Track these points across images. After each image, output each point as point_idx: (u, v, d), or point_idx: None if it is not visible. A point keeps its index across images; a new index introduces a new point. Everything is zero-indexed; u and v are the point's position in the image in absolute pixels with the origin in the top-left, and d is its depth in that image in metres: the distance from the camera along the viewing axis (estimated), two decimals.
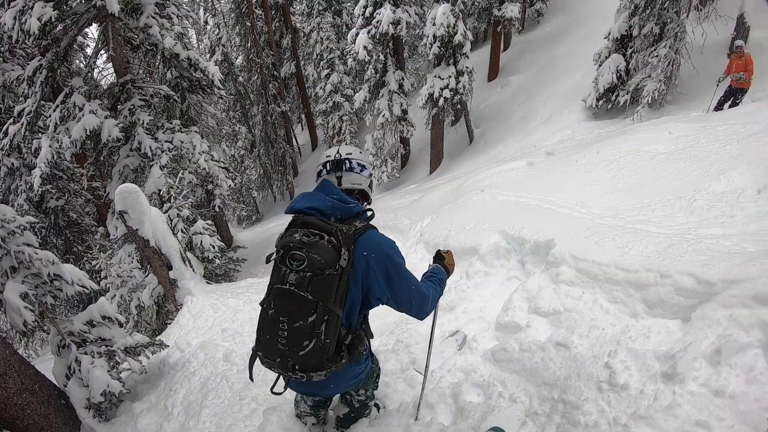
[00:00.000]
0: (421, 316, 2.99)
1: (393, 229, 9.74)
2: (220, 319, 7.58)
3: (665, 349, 3.76)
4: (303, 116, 37.03)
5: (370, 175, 3.05)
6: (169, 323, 8.30)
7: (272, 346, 2.72)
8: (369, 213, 2.90)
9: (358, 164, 2.94)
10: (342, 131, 25.82)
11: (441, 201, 9.97)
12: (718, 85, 12.00)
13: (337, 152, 2.94)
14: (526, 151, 14.09)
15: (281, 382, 3.14)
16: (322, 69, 25.93)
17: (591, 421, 3.55)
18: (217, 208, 15.33)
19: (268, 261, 2.77)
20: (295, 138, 35.76)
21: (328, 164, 2.93)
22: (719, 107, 11.79)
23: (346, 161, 2.90)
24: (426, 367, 4.22)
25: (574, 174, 8.22)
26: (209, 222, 12.29)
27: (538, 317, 5.05)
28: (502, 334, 5.23)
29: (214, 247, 11.38)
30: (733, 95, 11.66)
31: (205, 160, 13.89)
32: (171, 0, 12.77)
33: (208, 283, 9.67)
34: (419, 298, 2.86)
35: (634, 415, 3.40)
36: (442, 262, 3.36)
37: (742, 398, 3.16)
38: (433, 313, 3.87)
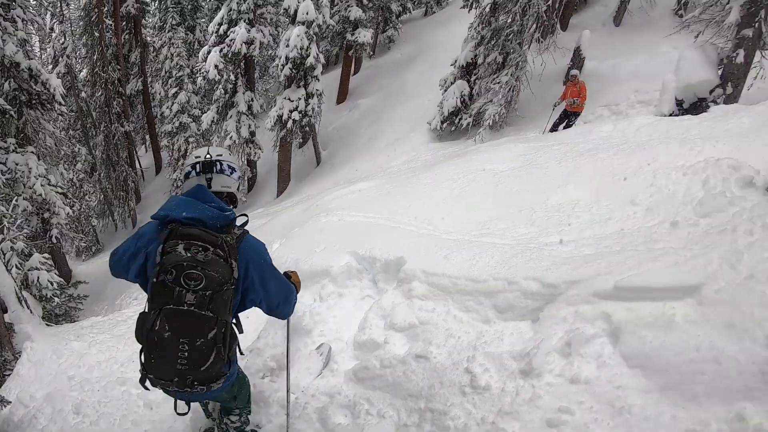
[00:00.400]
0: (286, 313, 3.20)
1: None
2: (65, 365, 7.05)
3: (519, 349, 4.15)
4: (147, 137, 35.41)
5: (239, 177, 3.11)
6: (8, 375, 7.54)
7: (170, 367, 2.66)
8: (245, 219, 2.97)
9: (229, 166, 3.00)
10: (188, 154, 25.04)
11: (290, 224, 10.03)
12: (554, 109, 13.32)
13: (207, 153, 2.92)
14: (373, 173, 14.57)
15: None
16: (170, 87, 25.08)
17: (460, 424, 3.84)
18: (54, 239, 14.21)
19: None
20: (139, 161, 34.03)
21: (197, 165, 2.90)
22: (554, 129, 13.05)
23: (217, 163, 2.92)
24: (287, 391, 4.33)
25: (420, 193, 8.66)
26: (46, 255, 11.35)
27: (395, 333, 5.25)
28: (362, 353, 5.36)
29: (52, 284, 10.54)
30: (567, 118, 12.99)
31: (42, 185, 12.86)
32: (17, 1, 11.80)
33: (48, 325, 8.94)
34: (287, 292, 3.09)
35: (500, 412, 3.73)
36: (289, 280, 3.36)
37: (596, 382, 3.60)
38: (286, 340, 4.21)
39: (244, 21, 17.68)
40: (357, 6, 22.33)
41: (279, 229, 10.01)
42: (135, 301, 11.03)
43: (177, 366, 2.61)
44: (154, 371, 2.77)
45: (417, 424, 4.14)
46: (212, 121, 20.07)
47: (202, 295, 2.52)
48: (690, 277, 3.85)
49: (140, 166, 34.53)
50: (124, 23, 28.61)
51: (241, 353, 3.33)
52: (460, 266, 5.38)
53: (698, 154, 6.22)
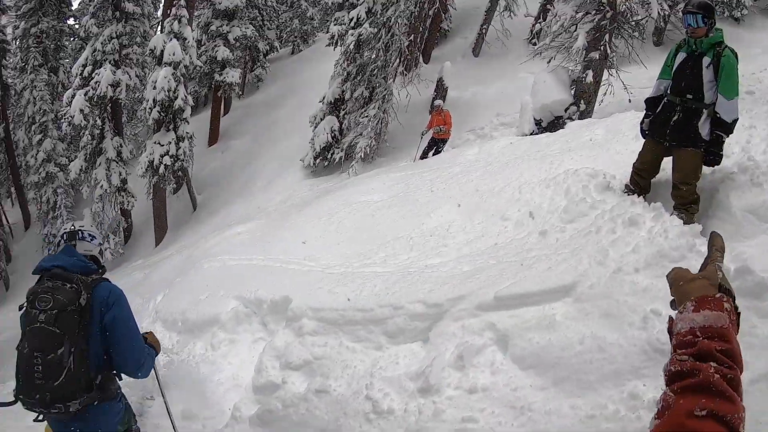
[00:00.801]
0: (137, 370, 3.34)
1: None
2: None
3: (415, 369, 4.27)
4: (13, 190, 32.80)
5: (100, 243, 3.66)
6: None
7: (30, 383, 3.01)
8: (103, 272, 3.48)
9: (89, 234, 3.53)
10: (58, 206, 23.47)
11: (172, 274, 9.67)
12: (422, 137, 13.79)
13: (72, 225, 3.57)
14: (252, 214, 14.39)
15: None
16: (34, 134, 23.46)
17: None
18: None
19: (20, 309, 3.19)
20: (5, 216, 31.34)
21: (64, 235, 3.45)
22: (424, 156, 13.50)
23: (79, 232, 3.47)
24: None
25: (299, 231, 8.65)
26: None
27: (292, 371, 5.22)
28: (263, 396, 5.29)
29: None
30: (436, 145, 13.52)
31: None
32: None
33: None
34: (138, 350, 3.30)
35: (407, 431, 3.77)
36: (145, 341, 3.55)
37: (494, 388, 3.79)
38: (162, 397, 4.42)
39: (110, 62, 17.02)
40: (224, 46, 22.10)
41: (160, 281, 9.64)
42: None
43: (35, 381, 2.97)
44: (22, 391, 3.08)
45: None
46: (81, 170, 18.95)
47: (50, 314, 2.98)
48: (564, 279, 4.17)
49: (8, 222, 31.91)
50: None
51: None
52: (346, 298, 5.45)
53: (558, 167, 6.68)
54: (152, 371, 3.67)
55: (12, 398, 3.18)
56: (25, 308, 3.14)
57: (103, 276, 3.41)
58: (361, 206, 8.58)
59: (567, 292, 4.06)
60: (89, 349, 3.09)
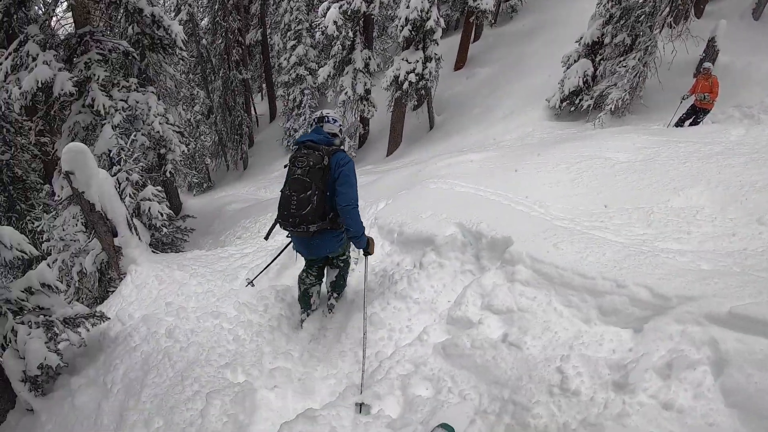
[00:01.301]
0: (345, 206, 4.78)
1: None
2: (165, 291, 7.39)
3: (617, 358, 3.89)
4: (264, 86, 36.25)
5: (340, 125, 5.21)
6: (112, 292, 8.03)
7: (288, 211, 4.80)
8: (341, 144, 5.16)
9: (332, 118, 5.15)
10: (302, 105, 25.44)
11: (397, 186, 9.97)
12: (681, 102, 12.39)
13: (321, 111, 5.19)
14: (486, 144, 14.24)
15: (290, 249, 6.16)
16: (289, 40, 25.40)
17: (541, 425, 3.65)
18: (168, 174, 14.83)
19: (285, 167, 5.06)
20: (254, 107, 34.99)
21: (315, 119, 5.15)
22: (680, 124, 12.19)
23: (326, 117, 5.12)
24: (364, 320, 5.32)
25: (534, 173, 8.30)
26: (159, 188, 11.90)
27: (491, 314, 5.09)
28: (454, 329, 5.25)
29: (162, 215, 11.04)
30: (695, 114, 12.06)
31: (160, 123, 13.45)
32: None
33: (154, 252, 9.38)
34: (351, 194, 4.80)
35: (584, 421, 3.51)
36: (367, 244, 5.40)
37: (690, 413, 3.30)
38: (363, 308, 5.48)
39: None
40: None
41: (385, 190, 9.98)
42: (239, 240, 11.38)
43: (291, 210, 4.76)
44: (281, 216, 4.89)
45: (497, 413, 3.99)
46: (328, 76, 20.11)
47: (304, 169, 4.68)
48: None
49: (255, 113, 35.37)
50: None
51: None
52: (569, 258, 5.07)
53: None
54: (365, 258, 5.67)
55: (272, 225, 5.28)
56: (288, 166, 4.88)
57: (341, 147, 5.02)
58: (604, 163, 8.00)
59: None
60: (327, 193, 4.80)
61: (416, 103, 21.39)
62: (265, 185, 21.84)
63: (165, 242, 12.04)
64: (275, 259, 7.29)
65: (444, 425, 3.89)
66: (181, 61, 16.86)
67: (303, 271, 5.97)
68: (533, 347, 4.38)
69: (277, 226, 5.10)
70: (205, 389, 5.05)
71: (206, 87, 28.08)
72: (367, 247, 5.37)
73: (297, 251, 5.54)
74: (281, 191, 4.88)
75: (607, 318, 4.39)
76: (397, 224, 7.73)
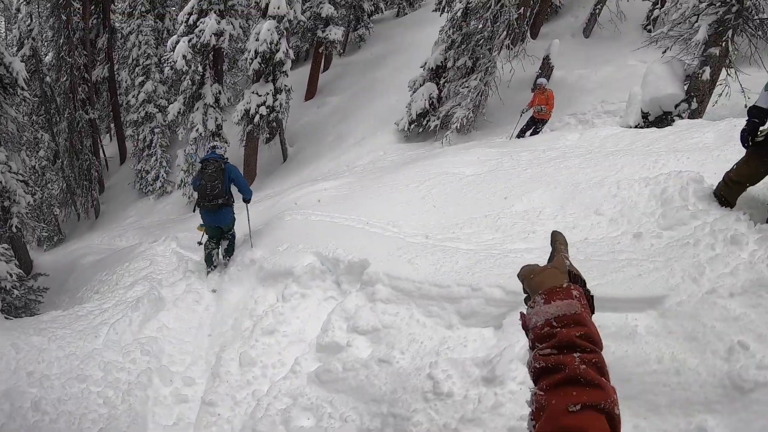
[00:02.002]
0: (245, 186, 8.37)
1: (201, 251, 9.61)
2: (24, 361, 6.78)
3: (482, 356, 4.13)
4: (112, 126, 34.49)
5: (225, 150, 9.09)
6: None
7: (205, 195, 7.92)
8: (225, 160, 8.26)
9: (220, 146, 8.61)
10: (153, 144, 24.49)
11: (254, 221, 9.90)
12: (521, 116, 13.32)
13: (212, 143, 8.86)
14: (339, 171, 14.48)
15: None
16: (137, 75, 24.37)
17: (423, 430, 3.79)
18: (14, 228, 13.68)
19: (200, 163, 8.28)
20: (103, 149, 33.04)
21: (211, 147, 8.55)
22: (521, 135, 13.08)
23: (216, 146, 8.52)
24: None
25: (386, 194, 8.61)
26: (5, 246, 10.92)
27: (358, 336, 5.23)
28: (324, 355, 5.34)
29: (11, 276, 10.10)
30: (535, 125, 13.02)
31: (2, 172, 12.40)
32: None
33: (7, 318, 8.61)
34: (244, 181, 8.44)
35: (462, 419, 3.71)
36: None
37: None
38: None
39: (215, 12, 17.29)
40: (329, 3, 22.09)
41: (242, 226, 9.88)
42: (96, 294, 10.71)
43: (207, 193, 7.89)
44: (203, 200, 7.93)
45: (379, 429, 4.12)
46: (179, 112, 19.58)
47: (214, 171, 7.91)
48: (653, 289, 3.87)
49: (104, 155, 33.64)
50: (92, 7, 27.63)
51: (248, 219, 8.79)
52: (425, 271, 5.36)
53: (662, 167, 6.23)
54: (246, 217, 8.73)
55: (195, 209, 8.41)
56: (201, 170, 8.00)
57: (222, 167, 8.03)
58: (452, 178, 8.41)
59: (653, 305, 3.78)
60: (225, 183, 7.96)
61: (269, 135, 21.33)
62: (119, 233, 20.73)
63: (18, 306, 11.01)
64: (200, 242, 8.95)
65: None
66: (23, 102, 15.70)
67: (207, 241, 8.68)
68: (402, 360, 4.53)
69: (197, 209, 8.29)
70: None
71: (51, 129, 26.20)
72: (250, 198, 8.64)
73: (206, 224, 8.44)
74: (201, 185, 7.97)
75: (468, 321, 4.66)
76: (258, 259, 7.68)
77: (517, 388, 3.72)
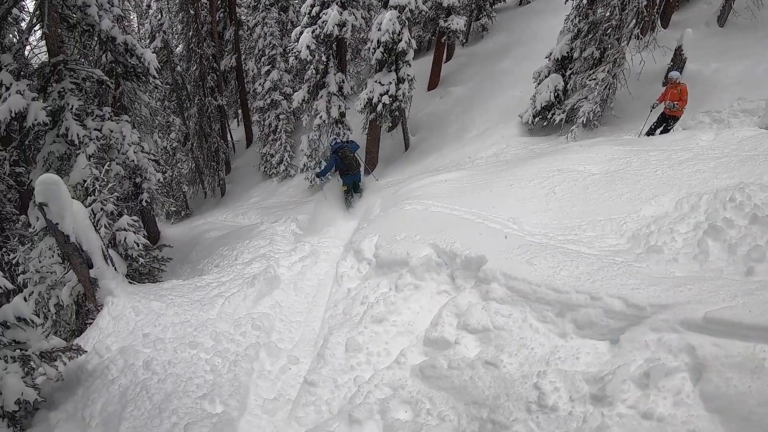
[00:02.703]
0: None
1: (320, 233, 9.83)
2: (142, 323, 7.29)
3: (594, 371, 3.84)
4: (239, 112, 36.13)
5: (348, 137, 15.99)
6: (89, 323, 7.91)
7: (351, 169, 11.90)
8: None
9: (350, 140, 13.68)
10: (278, 130, 25.37)
11: (373, 208, 10.00)
12: (651, 111, 12.46)
13: (344, 135, 16.87)
14: (461, 162, 14.27)
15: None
16: (263, 65, 25.28)
17: None
18: (144, 203, 14.71)
19: (336, 153, 11.94)
20: (230, 133, 34.79)
21: (343, 140, 14.19)
22: (651, 133, 12.25)
23: (346, 136, 16.64)
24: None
25: (508, 189, 8.27)
26: (135, 218, 11.70)
27: (468, 334, 5.07)
28: (431, 350, 5.22)
29: (138, 245, 10.82)
30: (666, 122, 12.13)
31: (135, 152, 13.32)
32: None
33: (130, 282, 9.24)
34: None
35: None
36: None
37: (671, 420, 3.27)
38: None
39: (337, 3, 17.47)
40: None
41: (361, 212, 9.98)
42: (216, 268, 11.24)
43: (352, 164, 11.91)
44: (348, 168, 11.77)
45: None
46: (303, 100, 19.98)
47: (352, 154, 11.98)
48: None
49: (231, 139, 35.21)
50: (219, 1, 28.80)
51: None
52: (543, 273, 5.06)
53: None
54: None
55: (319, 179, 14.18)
56: (337, 150, 11.76)
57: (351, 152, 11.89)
58: (576, 176, 7.99)
59: None
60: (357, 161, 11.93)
61: (391, 124, 21.33)
62: (243, 212, 21.64)
63: (142, 272, 11.77)
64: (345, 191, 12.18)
65: None
66: (155, 89, 16.74)
67: (346, 192, 12.20)
68: (510, 365, 4.34)
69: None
70: (183, 421, 4.99)
71: (182, 114, 27.79)
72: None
73: (348, 183, 12.04)
74: (345, 163, 11.65)
75: (583, 331, 4.36)
76: (373, 247, 7.70)
77: (627, 412, 3.43)
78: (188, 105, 27.77)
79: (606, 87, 13.94)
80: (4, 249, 14.56)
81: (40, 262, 9.59)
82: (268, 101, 25.20)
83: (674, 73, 12.02)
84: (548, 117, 15.74)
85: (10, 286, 5.72)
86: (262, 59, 25.47)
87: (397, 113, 18.30)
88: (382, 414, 4.58)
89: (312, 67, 19.01)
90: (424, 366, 4.86)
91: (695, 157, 7.37)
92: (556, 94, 15.59)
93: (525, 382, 4.00)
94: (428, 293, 6.19)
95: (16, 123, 11.06)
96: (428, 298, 6.13)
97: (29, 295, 9.68)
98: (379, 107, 17.19)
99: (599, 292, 4.42)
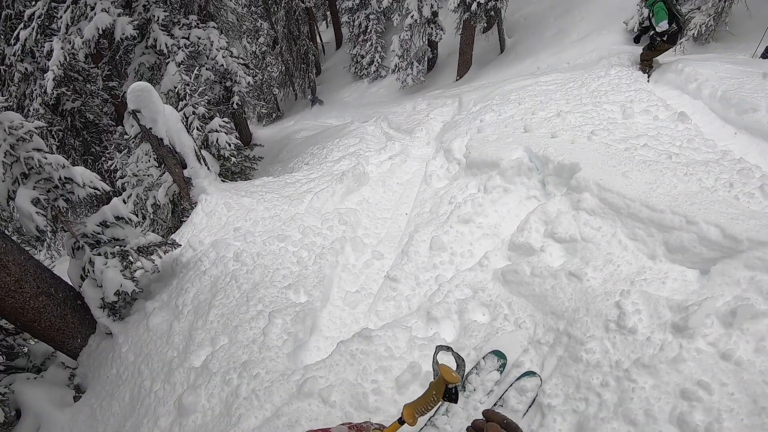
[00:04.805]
0: None
1: (410, 133, 9.65)
2: (233, 218, 7.53)
3: (679, 299, 3.61)
4: (328, 13, 35.33)
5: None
6: (185, 221, 8.27)
7: None
8: None
9: None
10: (368, 30, 24.66)
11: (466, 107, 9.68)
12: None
13: None
14: (558, 68, 13.45)
15: None
16: None
17: (593, 360, 3.48)
18: (235, 105, 14.90)
19: None
20: (319, 35, 34.23)
21: None
22: (766, 56, 11.07)
23: None
24: None
25: (608, 95, 7.70)
26: (226, 119, 11.89)
27: (554, 242, 4.88)
28: (515, 255, 5.09)
29: (230, 145, 11.05)
30: None
31: (224, 57, 13.34)
32: None
33: (223, 181, 9.54)
34: None
35: (637, 362, 3.31)
36: None
37: (748, 367, 3.03)
38: None
39: None
40: None
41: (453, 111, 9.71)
42: (306, 166, 11.32)
43: None
44: None
45: (550, 344, 3.85)
46: None
47: None
48: None
49: (321, 41, 34.64)
50: None
51: None
52: (639, 188, 4.71)
53: None
54: None
55: None
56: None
57: None
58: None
59: None
60: None
61: (486, 25, 20.17)
62: (335, 114, 21.59)
63: (234, 171, 12.08)
64: None
65: (496, 352, 3.81)
66: None
67: None
68: (594, 279, 4.16)
69: None
70: (268, 309, 5.16)
71: (269, 18, 27.39)
72: None
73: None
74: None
75: (673, 255, 4.08)
76: (463, 147, 7.49)
77: (706, 348, 3.20)
78: (275, 9, 27.25)
79: None
80: (103, 158, 15.27)
81: (137, 166, 10.01)
82: (357, 1, 24.33)
83: None
84: None
85: (106, 188, 5.96)
86: None
87: (492, 13, 17.24)
88: (460, 314, 4.56)
89: None
90: (507, 270, 4.75)
91: None
92: None
93: (607, 299, 3.82)
94: (517, 197, 5.97)
95: (104, 41, 11.20)
96: (517, 202, 5.92)
97: (128, 197, 10.23)
98: (474, 6, 16.22)
99: (696, 216, 4.08)
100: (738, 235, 3.75)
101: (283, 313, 4.94)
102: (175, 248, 6.69)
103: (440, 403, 1.94)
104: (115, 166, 11.33)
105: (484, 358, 3.81)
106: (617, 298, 3.76)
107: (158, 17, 11.22)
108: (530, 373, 3.65)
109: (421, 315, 4.62)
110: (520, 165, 6.19)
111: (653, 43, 8.39)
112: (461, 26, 18.04)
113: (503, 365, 3.76)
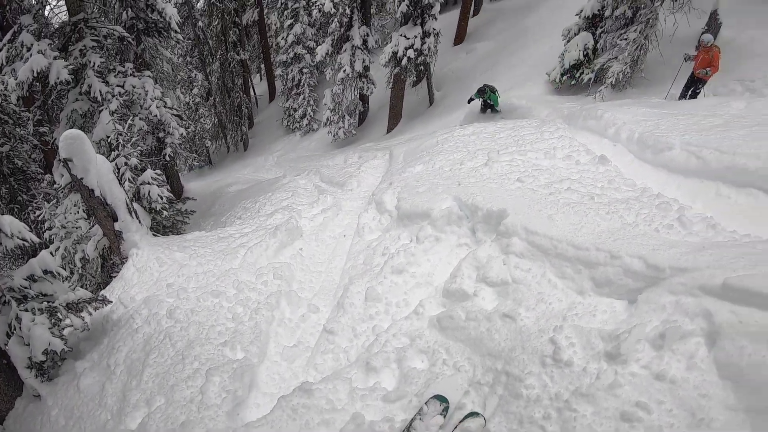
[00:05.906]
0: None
1: (342, 186, 9.83)
2: (166, 273, 7.42)
3: (610, 329, 3.86)
4: (262, 66, 36.02)
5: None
6: (115, 276, 8.08)
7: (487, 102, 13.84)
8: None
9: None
10: (301, 84, 25.22)
11: (398, 161, 9.97)
12: (682, 64, 12.02)
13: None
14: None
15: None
16: (286, 18, 25.01)
17: (533, 395, 3.64)
18: (168, 157, 14.84)
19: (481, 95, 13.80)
20: (253, 88, 34.73)
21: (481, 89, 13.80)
22: (681, 97, 11.97)
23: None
24: None
25: (533, 144, 8.16)
26: (158, 171, 11.83)
27: (486, 287, 5.10)
28: (449, 302, 5.25)
29: (162, 198, 10.92)
30: (694, 84, 11.82)
31: (158, 107, 13.38)
32: None
33: (154, 235, 9.37)
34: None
35: (576, 392, 3.49)
36: None
37: (682, 384, 3.26)
38: None
39: None
40: None
41: (384, 166, 9.97)
42: (239, 220, 11.32)
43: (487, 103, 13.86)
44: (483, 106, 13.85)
45: (490, 384, 4.00)
46: (327, 54, 19.76)
47: (495, 94, 13.69)
48: None
49: (254, 94, 35.18)
50: None
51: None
52: (564, 229, 5.04)
53: None
54: None
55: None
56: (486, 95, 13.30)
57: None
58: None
59: None
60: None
61: (415, 79, 21.05)
62: (267, 168, 21.78)
63: (166, 225, 11.91)
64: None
65: (438, 396, 3.90)
66: (177, 44, 16.67)
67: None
68: (527, 318, 4.37)
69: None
70: (204, 366, 5.10)
71: (204, 69, 27.72)
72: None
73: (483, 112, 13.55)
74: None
75: (601, 289, 4.37)
76: (395, 199, 7.70)
77: (640, 372, 3.43)
78: (210, 60, 27.66)
79: (637, 48, 13.62)
80: (30, 207, 14.81)
81: (65, 218, 9.80)
82: (291, 55, 25.03)
83: (706, 36, 11.56)
84: (576, 76, 15.45)
85: (36, 239, 5.85)
86: (285, 13, 25.23)
87: (422, 68, 18.03)
88: (399, 362, 4.65)
89: (336, 20, 18.73)
90: (442, 317, 4.90)
91: (725, 124, 7.17)
92: (585, 52, 15.26)
93: (541, 336, 4.02)
94: (448, 246, 6.19)
95: (38, 84, 11.14)
96: (448, 250, 6.13)
97: (55, 251, 9.94)
98: (404, 61, 16.94)
99: (620, 251, 4.40)
100: (660, 264, 4.05)
101: (220, 370, 4.88)
102: (106, 305, 6.54)
103: None
104: (43, 216, 10.94)
105: (426, 403, 3.89)
106: (551, 334, 3.96)
107: (94, 63, 11.16)
108: (473, 414, 3.76)
109: (360, 366, 4.67)
110: (450, 214, 6.46)
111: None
112: (392, 80, 18.74)
113: (446, 409, 3.85)
